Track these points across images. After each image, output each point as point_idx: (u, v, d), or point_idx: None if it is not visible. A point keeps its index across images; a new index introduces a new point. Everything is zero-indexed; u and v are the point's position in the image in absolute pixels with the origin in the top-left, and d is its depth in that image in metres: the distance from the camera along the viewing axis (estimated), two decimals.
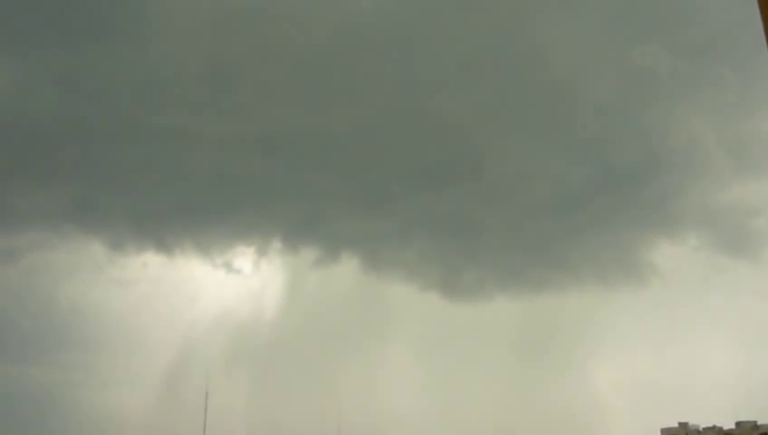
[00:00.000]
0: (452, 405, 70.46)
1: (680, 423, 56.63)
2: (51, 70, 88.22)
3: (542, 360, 76.05)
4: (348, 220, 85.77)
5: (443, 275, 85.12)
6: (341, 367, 73.96)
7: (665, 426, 57.17)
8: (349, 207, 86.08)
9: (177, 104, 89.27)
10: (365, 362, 75.26)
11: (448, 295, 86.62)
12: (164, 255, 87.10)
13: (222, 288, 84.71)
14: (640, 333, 76.91)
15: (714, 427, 55.65)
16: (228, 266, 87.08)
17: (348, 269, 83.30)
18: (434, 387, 72.88)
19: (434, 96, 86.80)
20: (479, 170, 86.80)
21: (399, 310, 79.83)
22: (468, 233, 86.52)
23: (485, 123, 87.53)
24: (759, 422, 53.56)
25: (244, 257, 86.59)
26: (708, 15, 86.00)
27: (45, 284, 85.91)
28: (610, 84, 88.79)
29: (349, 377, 72.65)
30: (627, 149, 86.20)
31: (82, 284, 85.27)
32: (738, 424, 54.14)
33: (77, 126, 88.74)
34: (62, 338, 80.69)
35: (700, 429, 56.06)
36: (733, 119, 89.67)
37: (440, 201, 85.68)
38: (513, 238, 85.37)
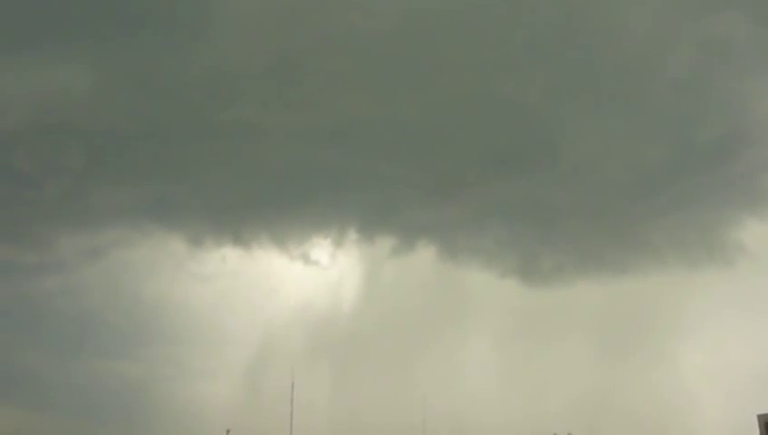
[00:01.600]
0: (534, 394, 69.78)
1: None
2: (123, 71, 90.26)
3: (626, 345, 74.41)
4: (423, 208, 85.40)
5: (521, 261, 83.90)
6: (422, 357, 74.19)
7: (761, 412, 55.29)
8: (423, 195, 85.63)
9: (247, 98, 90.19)
10: (445, 351, 75.10)
11: (527, 282, 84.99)
12: (241, 248, 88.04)
13: (299, 280, 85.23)
14: (729, 316, 74.02)
15: None
16: (305, 258, 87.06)
17: (424, 258, 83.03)
18: (516, 375, 72.38)
19: (505, 79, 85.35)
20: (554, 153, 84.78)
21: (478, 298, 79.26)
22: (546, 217, 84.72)
23: (558, 104, 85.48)
24: None
25: (320, 249, 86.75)
26: None
27: (129, 280, 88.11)
28: (686, 57, 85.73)
29: (429, 367, 72.80)
30: (708, 124, 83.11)
31: (165, 279, 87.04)
32: None
33: (151, 125, 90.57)
34: (149, 333, 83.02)
35: None
36: None
37: (516, 186, 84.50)
38: (593, 222, 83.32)
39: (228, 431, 65.11)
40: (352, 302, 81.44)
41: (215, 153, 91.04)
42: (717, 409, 60.73)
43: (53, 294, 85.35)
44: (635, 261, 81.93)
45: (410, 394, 68.02)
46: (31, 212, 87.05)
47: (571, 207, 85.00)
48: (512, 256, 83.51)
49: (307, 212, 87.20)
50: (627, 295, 79.86)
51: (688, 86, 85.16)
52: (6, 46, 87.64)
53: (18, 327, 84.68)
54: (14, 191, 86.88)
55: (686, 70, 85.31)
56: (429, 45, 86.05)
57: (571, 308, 78.19)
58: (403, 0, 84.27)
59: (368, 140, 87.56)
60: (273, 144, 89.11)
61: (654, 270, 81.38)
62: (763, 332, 72.28)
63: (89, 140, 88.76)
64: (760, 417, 56.68)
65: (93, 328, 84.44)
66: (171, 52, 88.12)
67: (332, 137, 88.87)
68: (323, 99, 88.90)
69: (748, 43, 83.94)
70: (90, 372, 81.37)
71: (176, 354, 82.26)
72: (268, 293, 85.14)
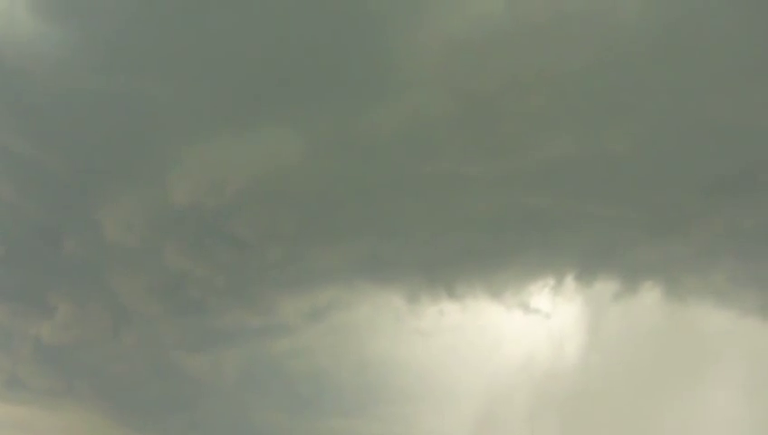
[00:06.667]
0: None
1: None
2: (327, 133, 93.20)
3: None
4: (643, 248, 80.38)
5: (764, 297, 77.01)
6: (662, 415, 70.22)
7: None
8: (641, 234, 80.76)
9: (444, 148, 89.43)
10: (688, 406, 70.67)
11: None
12: (457, 302, 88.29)
13: (519, 332, 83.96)
14: None
15: None
16: (525, 307, 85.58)
17: (650, 301, 78.44)
18: None
19: (716, 99, 78.88)
20: None
21: (715, 343, 73.70)
22: None
23: None
24: None
25: (538, 297, 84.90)
26: None
27: (352, 340, 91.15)
28: None
29: (673, 427, 68.69)
30: None
31: (386, 337, 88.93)
32: None
33: (357, 184, 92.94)
34: (378, 391, 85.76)
35: None
36: None
37: (745, 212, 76.99)
38: None
39: None
40: (577, 353, 79.39)
41: (421, 207, 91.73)
42: None
43: (283, 356, 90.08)
44: None
45: None
46: (253, 277, 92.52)
47: None
48: (750, 292, 76.68)
49: (520, 260, 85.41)
50: None
51: None
52: (221, 121, 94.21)
53: (257, 388, 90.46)
54: (237, 258, 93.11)
55: None
56: (628, 73, 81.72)
57: None
58: (591, 31, 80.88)
59: (576, 180, 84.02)
60: (478, 192, 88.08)
61: None
62: None
63: (300, 204, 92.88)
64: None
65: (326, 388, 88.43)
66: (368, 108, 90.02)
67: (538, 180, 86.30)
68: (523, 141, 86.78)
69: None
70: (329, 431, 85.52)
71: (405, 413, 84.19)
72: (489, 346, 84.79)
